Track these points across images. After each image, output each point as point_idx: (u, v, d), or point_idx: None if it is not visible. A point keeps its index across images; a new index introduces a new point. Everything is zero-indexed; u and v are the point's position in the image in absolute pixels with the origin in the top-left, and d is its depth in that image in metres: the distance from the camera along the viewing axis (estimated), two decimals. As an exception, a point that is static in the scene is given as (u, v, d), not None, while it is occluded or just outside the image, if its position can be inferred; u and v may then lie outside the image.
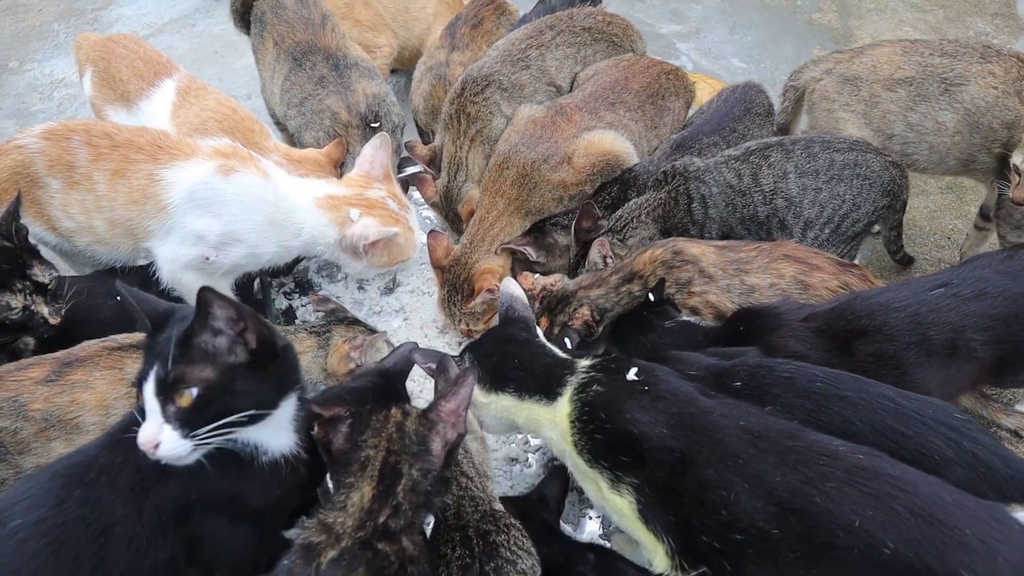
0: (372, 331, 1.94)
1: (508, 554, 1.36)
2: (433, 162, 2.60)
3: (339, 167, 2.43)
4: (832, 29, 3.72)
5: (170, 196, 1.89)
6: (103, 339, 1.70)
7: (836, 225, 2.14)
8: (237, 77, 3.48)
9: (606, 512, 1.45)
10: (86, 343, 1.69)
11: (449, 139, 2.47)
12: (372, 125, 2.47)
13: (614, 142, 2.27)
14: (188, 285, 1.99)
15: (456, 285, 2.26)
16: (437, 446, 1.28)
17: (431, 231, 2.38)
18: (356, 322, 1.95)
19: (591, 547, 1.59)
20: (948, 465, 1.37)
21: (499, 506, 1.49)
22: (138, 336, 1.72)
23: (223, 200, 1.90)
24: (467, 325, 2.29)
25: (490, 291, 2.17)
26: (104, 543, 1.23)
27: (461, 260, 2.27)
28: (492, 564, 1.32)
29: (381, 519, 1.17)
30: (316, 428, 1.34)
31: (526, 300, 1.69)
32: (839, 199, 2.11)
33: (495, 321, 2.09)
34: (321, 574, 1.10)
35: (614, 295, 1.98)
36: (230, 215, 1.91)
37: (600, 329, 1.97)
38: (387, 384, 1.61)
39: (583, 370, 1.48)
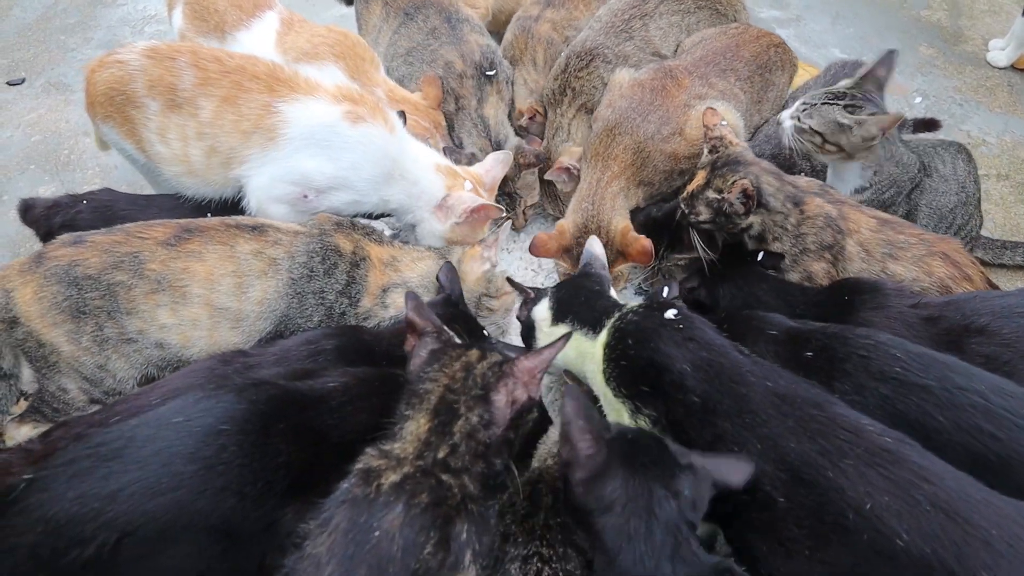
0: None
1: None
2: (534, 118, 2.55)
3: (439, 107, 2.38)
4: (941, 28, 3.54)
5: (287, 131, 1.85)
6: (225, 217, 1.74)
7: None
8: (325, 26, 3.47)
9: None
10: (210, 217, 1.73)
11: (551, 110, 2.40)
12: (487, 73, 2.44)
13: (727, 113, 2.16)
14: (275, 216, 1.95)
15: None
16: (501, 398, 1.21)
17: (532, 245, 2.19)
18: None
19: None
20: None
21: None
22: (258, 219, 1.78)
23: (346, 147, 1.87)
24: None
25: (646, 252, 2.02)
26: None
27: (589, 226, 2.10)
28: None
29: (440, 454, 1.13)
30: (408, 338, 1.33)
31: (604, 261, 1.74)
32: None
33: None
34: (383, 494, 1.06)
35: (780, 197, 1.86)
36: (348, 162, 1.88)
37: (751, 213, 1.84)
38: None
39: (629, 307, 1.50)
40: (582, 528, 1.17)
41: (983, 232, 2.42)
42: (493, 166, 2.18)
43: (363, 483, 1.09)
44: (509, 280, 1.79)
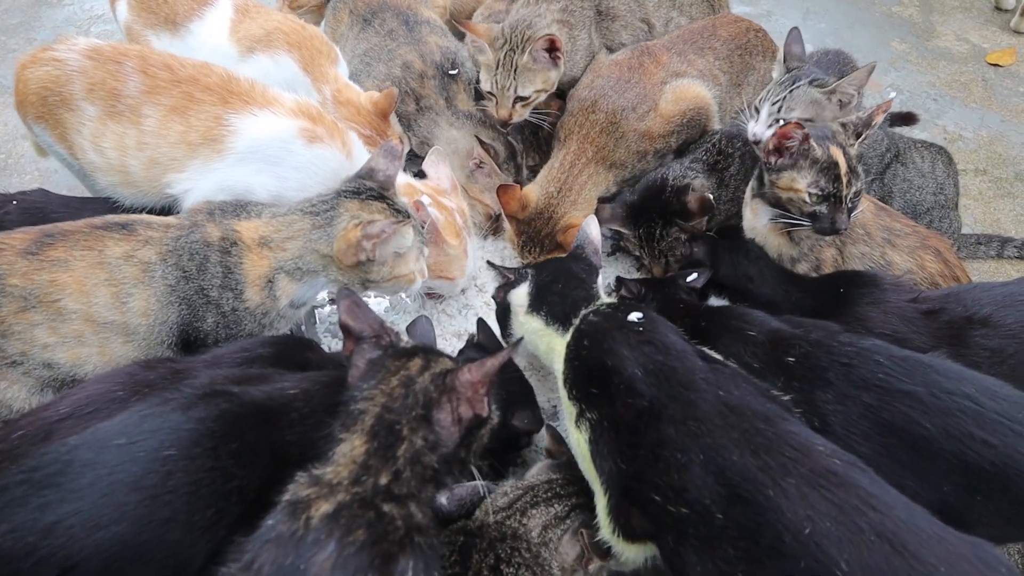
0: (399, 214, 1.59)
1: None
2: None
3: (387, 119, 2.24)
4: (913, 23, 3.50)
5: (234, 143, 1.71)
6: (92, 218, 1.55)
7: None
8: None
9: (576, 458, 1.34)
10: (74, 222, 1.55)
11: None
12: (450, 72, 2.33)
13: (702, 90, 2.10)
14: None
15: (536, 239, 2.09)
16: (445, 417, 1.10)
17: (501, 185, 2.16)
18: (384, 200, 1.59)
19: None
20: None
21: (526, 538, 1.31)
22: (129, 216, 1.59)
23: (296, 166, 1.73)
24: None
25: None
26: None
27: (544, 213, 2.08)
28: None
29: (383, 480, 1.01)
30: (344, 344, 1.20)
31: (599, 247, 1.62)
32: None
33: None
34: (312, 530, 0.92)
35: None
36: (296, 182, 1.74)
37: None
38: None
39: (593, 306, 1.42)
40: None
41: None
42: (436, 171, 2.04)
43: (290, 518, 0.96)
44: (490, 263, 1.69)
